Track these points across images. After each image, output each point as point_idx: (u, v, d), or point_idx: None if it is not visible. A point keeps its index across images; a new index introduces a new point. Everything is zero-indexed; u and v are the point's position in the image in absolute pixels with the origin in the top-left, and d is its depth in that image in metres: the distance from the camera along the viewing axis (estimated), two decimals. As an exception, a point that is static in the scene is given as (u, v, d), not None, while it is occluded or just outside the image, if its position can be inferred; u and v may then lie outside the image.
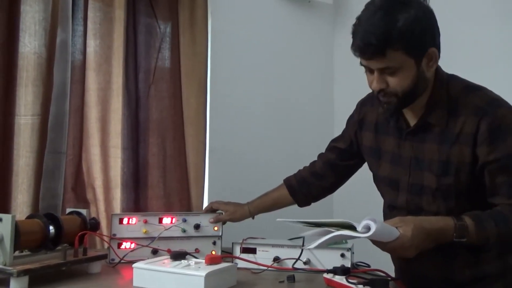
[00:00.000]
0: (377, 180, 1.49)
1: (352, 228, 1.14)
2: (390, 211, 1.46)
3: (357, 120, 1.54)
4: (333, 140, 1.67)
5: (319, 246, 1.18)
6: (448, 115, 1.26)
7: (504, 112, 1.22)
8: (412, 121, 1.34)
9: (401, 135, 1.36)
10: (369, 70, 1.25)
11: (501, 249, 1.27)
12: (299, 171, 1.74)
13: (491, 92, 1.28)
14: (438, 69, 1.31)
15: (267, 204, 1.77)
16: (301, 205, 1.74)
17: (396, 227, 1.15)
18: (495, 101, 1.24)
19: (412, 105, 1.29)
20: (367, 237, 1.10)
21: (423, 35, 1.19)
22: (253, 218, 1.78)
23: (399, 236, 1.13)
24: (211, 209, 1.78)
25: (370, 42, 1.15)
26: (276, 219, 1.31)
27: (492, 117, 1.20)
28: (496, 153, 1.19)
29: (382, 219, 1.45)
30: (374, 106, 1.46)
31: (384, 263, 1.50)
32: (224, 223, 1.75)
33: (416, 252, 1.16)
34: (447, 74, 1.34)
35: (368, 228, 1.10)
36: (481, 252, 1.28)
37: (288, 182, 1.73)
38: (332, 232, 1.13)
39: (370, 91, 1.37)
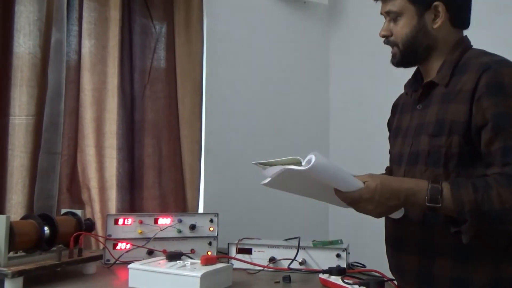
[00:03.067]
0: (390, 161, 1.42)
1: (299, 164, 1.08)
2: None
3: (390, 116, 1.50)
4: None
5: (271, 183, 1.14)
6: (452, 75, 1.20)
7: (510, 72, 1.11)
8: None
9: (416, 107, 1.31)
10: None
11: (478, 227, 1.04)
12: None
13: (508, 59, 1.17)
14: (464, 39, 1.28)
15: None
16: None
17: (364, 182, 1.10)
18: (506, 61, 1.14)
19: (428, 71, 1.28)
20: (308, 171, 1.03)
21: None
22: None
23: (360, 188, 1.07)
24: None
25: None
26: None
27: (495, 72, 1.10)
28: (493, 110, 1.08)
29: None
30: (404, 94, 1.45)
31: (379, 264, 1.51)
32: None
33: (377, 209, 1.09)
34: (475, 48, 1.27)
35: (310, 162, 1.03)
36: (471, 258, 1.13)
37: None
38: (280, 168, 1.08)
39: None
